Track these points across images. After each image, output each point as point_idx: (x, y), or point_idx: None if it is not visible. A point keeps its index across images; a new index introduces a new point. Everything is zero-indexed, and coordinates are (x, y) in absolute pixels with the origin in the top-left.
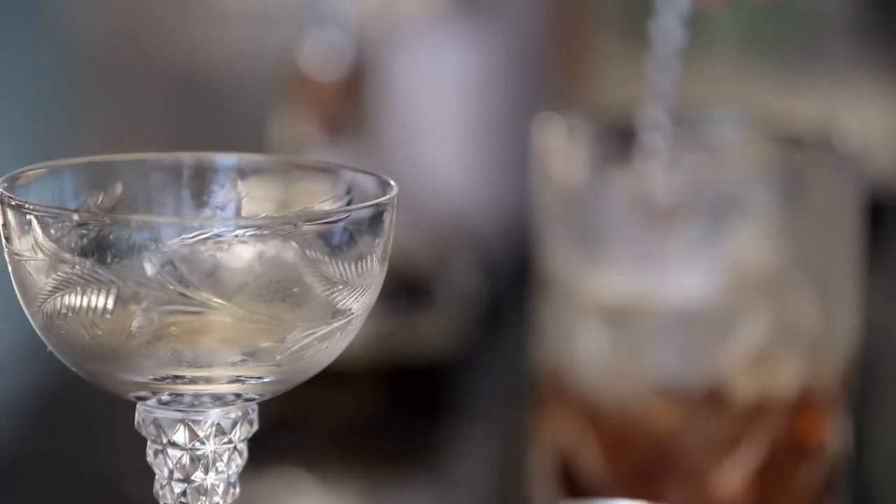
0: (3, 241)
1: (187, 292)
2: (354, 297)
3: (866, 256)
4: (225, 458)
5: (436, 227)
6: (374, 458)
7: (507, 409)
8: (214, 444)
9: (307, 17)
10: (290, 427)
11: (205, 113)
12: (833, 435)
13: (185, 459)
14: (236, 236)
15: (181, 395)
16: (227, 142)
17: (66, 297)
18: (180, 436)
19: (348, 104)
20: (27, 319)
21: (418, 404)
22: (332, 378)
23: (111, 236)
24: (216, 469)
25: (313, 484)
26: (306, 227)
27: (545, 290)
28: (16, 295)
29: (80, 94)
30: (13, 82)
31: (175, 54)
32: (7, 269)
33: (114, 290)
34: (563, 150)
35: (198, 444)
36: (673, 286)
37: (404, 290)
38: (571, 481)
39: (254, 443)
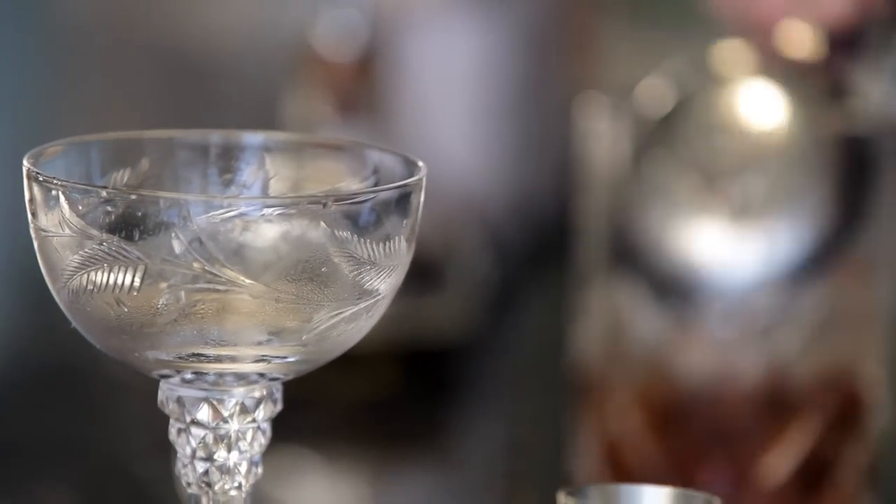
0: (30, 216)
1: (214, 270)
2: (382, 277)
3: None
4: (248, 437)
5: (447, 209)
6: (384, 440)
7: (517, 391)
8: (238, 423)
9: None
10: (300, 408)
11: (217, 94)
12: (878, 417)
13: (209, 438)
14: (263, 215)
15: (205, 373)
16: (241, 123)
17: (93, 273)
18: (204, 414)
19: (362, 85)
20: (33, 299)
21: (429, 386)
22: (343, 359)
23: (139, 213)
24: (239, 448)
25: (323, 464)
26: (334, 207)
27: (594, 269)
28: (24, 273)
29: (83, 77)
30: (9, 65)
31: (186, 35)
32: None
33: (141, 268)
34: (606, 131)
35: (221, 423)
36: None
37: (415, 272)
38: (618, 464)
39: None
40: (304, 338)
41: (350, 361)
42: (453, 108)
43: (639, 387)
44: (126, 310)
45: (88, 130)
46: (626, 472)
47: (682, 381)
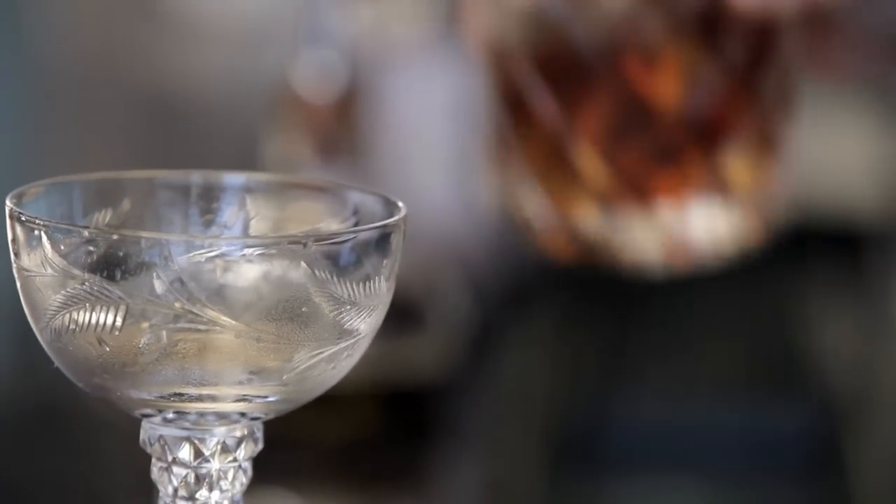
0: (12, 256)
1: (195, 310)
2: (362, 317)
3: (848, 287)
4: (230, 476)
5: (427, 250)
6: (363, 481)
7: (497, 432)
8: (219, 462)
9: (301, 39)
10: (279, 448)
11: (197, 136)
12: None
13: (191, 477)
14: (244, 255)
15: (187, 412)
16: (222, 164)
17: (75, 313)
18: (185, 453)
19: (341, 126)
20: (16, 338)
21: (408, 427)
22: (324, 399)
23: (120, 253)
24: (220, 487)
25: None
26: (315, 247)
27: None
28: (6, 313)
29: (66, 118)
30: None
31: (167, 77)
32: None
33: (122, 307)
34: None
35: (203, 462)
36: None
37: (395, 313)
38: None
39: None
40: (284, 377)
41: (330, 401)
42: (433, 150)
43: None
44: (108, 349)
45: (71, 171)
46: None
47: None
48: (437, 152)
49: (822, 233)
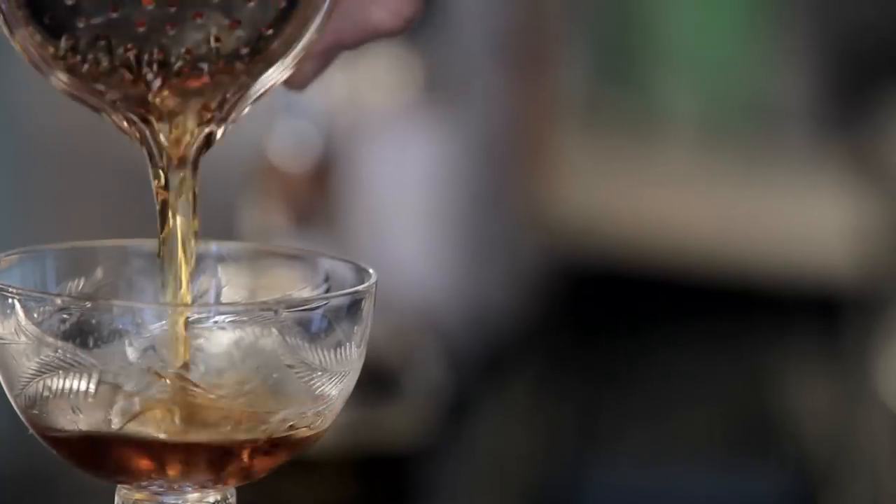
0: None
1: (165, 378)
2: (333, 383)
3: (824, 352)
4: None
5: (402, 317)
6: None
7: (473, 498)
8: None
9: (276, 109)
10: None
11: None
12: None
13: None
14: (216, 322)
15: (160, 478)
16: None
17: (49, 380)
18: None
19: (317, 195)
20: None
21: (385, 493)
22: (300, 466)
23: (93, 321)
24: None
25: None
26: (285, 314)
27: None
28: None
29: (40, 187)
30: None
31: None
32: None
33: (95, 374)
34: None
35: None
36: None
37: (371, 379)
38: None
39: None
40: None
41: (306, 467)
42: (409, 218)
43: None
44: (81, 416)
45: (44, 240)
46: None
47: None
48: (413, 220)
49: (798, 297)
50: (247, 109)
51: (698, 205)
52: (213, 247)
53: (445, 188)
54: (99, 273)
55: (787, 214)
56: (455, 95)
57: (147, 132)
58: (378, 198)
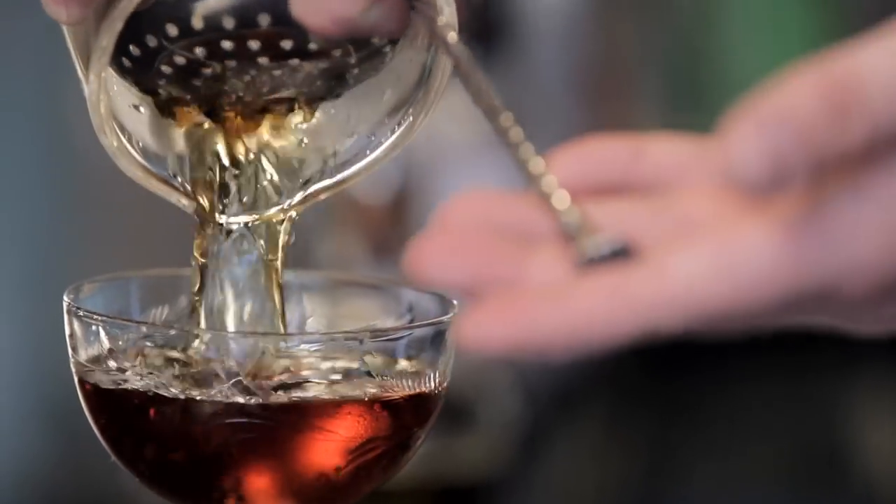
0: (70, 351)
1: (254, 407)
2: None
3: (891, 389)
4: None
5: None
6: None
7: None
8: None
9: None
10: None
11: None
12: None
13: None
14: (303, 350)
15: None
16: None
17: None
18: None
19: (394, 226)
20: (64, 433)
21: None
22: (376, 496)
23: (177, 349)
24: None
25: None
26: (370, 343)
27: None
28: (56, 408)
29: (103, 225)
30: (32, 211)
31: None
32: None
33: (180, 402)
34: None
35: None
36: None
37: (447, 411)
38: None
39: None
40: (341, 472)
41: (383, 498)
42: None
43: None
44: (168, 446)
45: (124, 268)
46: None
47: None
48: None
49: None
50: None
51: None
52: (296, 276)
53: None
54: (183, 301)
55: None
56: (530, 128)
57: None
58: None
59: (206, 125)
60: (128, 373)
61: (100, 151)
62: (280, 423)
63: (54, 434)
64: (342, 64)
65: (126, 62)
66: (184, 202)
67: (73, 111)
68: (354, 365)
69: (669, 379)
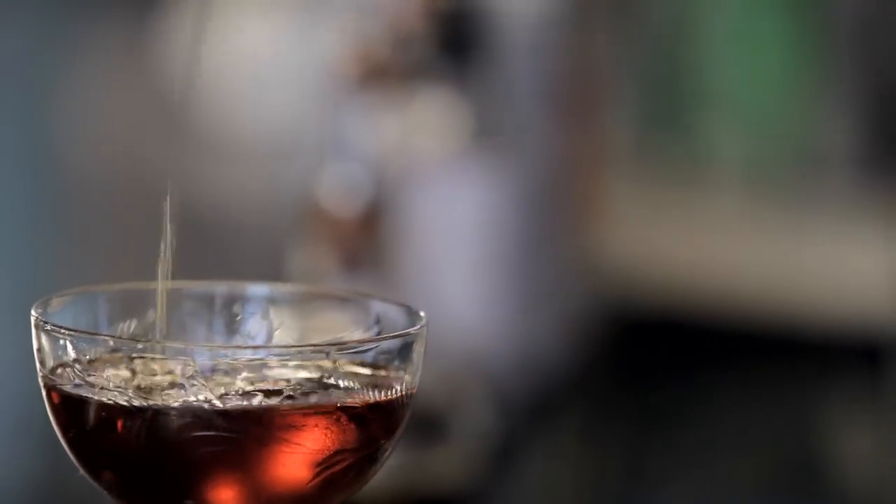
0: (38, 365)
1: (220, 419)
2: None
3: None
4: None
5: (451, 361)
6: None
7: None
8: None
9: (326, 153)
10: None
11: (224, 248)
12: None
13: None
14: (269, 363)
15: None
16: (247, 276)
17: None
18: None
19: (366, 239)
20: (41, 447)
21: None
22: None
23: (144, 361)
24: None
25: None
26: (337, 355)
27: None
28: (32, 421)
29: (86, 233)
30: (15, 219)
31: (194, 190)
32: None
33: (147, 415)
34: None
35: None
36: None
37: (419, 423)
38: None
39: None
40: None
41: None
42: (457, 263)
43: None
44: (132, 454)
45: (95, 281)
46: None
47: None
48: (462, 265)
49: (843, 343)
50: None
51: (744, 251)
52: (265, 289)
53: (494, 233)
54: (151, 314)
55: (832, 260)
56: (504, 141)
57: None
58: (427, 242)
59: None
60: (95, 386)
61: (79, 172)
62: (247, 436)
63: (35, 451)
64: None
65: None
66: None
67: (56, 119)
68: (322, 377)
69: (645, 389)
